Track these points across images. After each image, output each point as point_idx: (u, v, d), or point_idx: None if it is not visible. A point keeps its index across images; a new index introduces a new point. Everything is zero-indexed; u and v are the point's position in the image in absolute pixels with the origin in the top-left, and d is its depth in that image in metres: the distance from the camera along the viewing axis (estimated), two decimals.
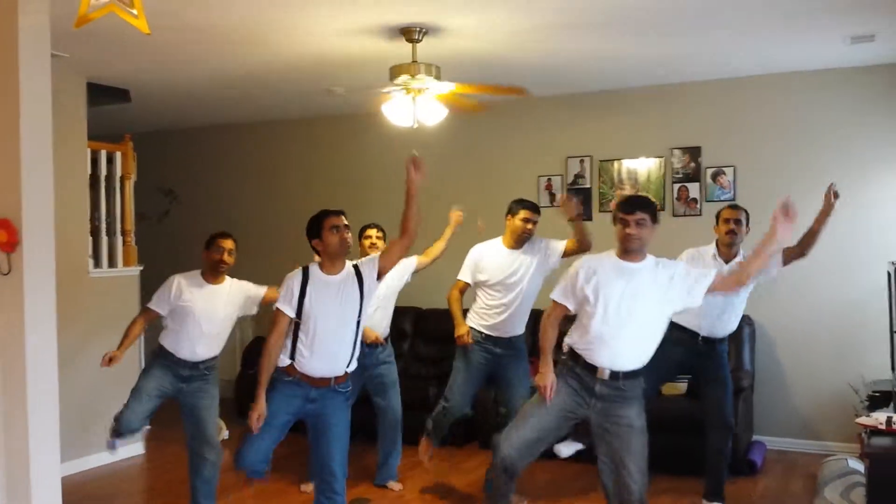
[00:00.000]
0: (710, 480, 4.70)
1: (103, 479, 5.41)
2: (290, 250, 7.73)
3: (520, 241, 4.70)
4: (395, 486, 5.20)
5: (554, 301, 3.62)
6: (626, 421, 3.45)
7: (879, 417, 3.93)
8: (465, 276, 4.83)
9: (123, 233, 6.13)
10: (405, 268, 5.03)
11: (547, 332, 3.63)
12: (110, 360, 4.29)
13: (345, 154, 7.55)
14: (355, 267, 3.80)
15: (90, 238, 5.86)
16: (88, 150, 5.83)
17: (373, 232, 5.06)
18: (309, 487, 4.90)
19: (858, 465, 4.79)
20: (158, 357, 4.40)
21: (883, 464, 3.72)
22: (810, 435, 5.87)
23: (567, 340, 3.61)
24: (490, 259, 4.74)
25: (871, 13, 4.43)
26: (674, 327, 4.61)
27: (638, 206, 3.45)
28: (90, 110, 5.84)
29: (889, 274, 4.82)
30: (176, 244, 7.49)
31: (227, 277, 4.44)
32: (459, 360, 4.83)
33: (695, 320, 4.58)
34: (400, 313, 6.71)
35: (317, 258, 3.94)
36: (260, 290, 4.47)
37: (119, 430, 4.38)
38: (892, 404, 4.36)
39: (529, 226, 4.66)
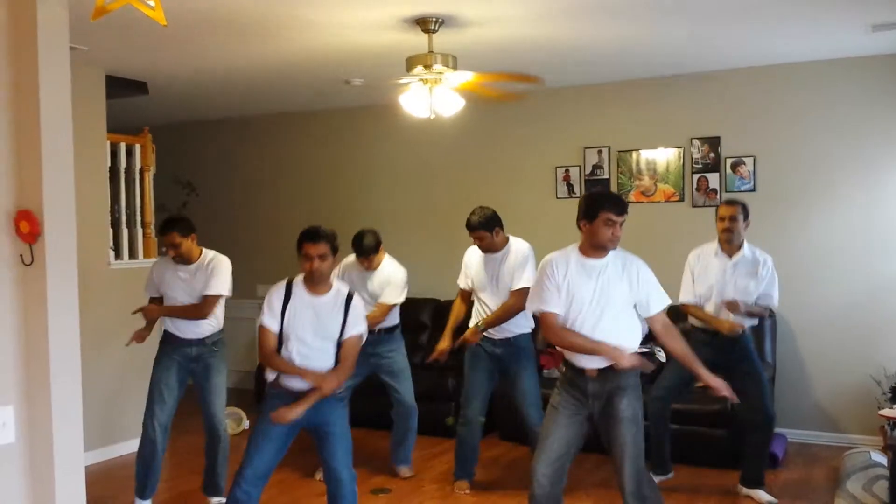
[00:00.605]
0: (750, 468, 4.71)
1: (126, 468, 5.46)
2: None
3: (483, 250, 4.81)
4: (404, 471, 5.25)
5: (543, 313, 3.50)
6: (616, 412, 3.47)
7: None
8: (461, 281, 5.01)
9: (143, 225, 6.19)
10: (391, 281, 5.10)
11: (564, 340, 3.50)
12: (138, 339, 4.45)
13: (362, 145, 7.56)
14: (349, 297, 3.70)
15: (110, 230, 5.91)
16: (108, 143, 5.88)
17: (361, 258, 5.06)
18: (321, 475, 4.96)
19: (881, 458, 4.75)
20: (164, 343, 4.50)
21: None
22: (832, 427, 5.82)
23: (558, 346, 3.63)
24: (472, 262, 4.90)
25: (893, 1, 4.36)
26: (694, 329, 4.65)
27: (625, 208, 3.48)
28: (109, 103, 5.88)
29: None
30: None
31: (204, 251, 4.47)
32: (466, 367, 4.91)
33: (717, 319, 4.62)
34: (419, 305, 6.77)
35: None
36: (209, 290, 4.40)
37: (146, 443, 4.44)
38: None
39: (478, 243, 4.77)
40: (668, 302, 3.60)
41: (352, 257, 5.12)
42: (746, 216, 4.63)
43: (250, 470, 3.61)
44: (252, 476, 3.61)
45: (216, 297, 4.43)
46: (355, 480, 3.77)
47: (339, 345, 3.66)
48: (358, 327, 3.71)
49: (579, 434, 3.57)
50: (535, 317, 3.90)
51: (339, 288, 3.74)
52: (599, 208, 3.44)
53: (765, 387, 4.66)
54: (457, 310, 5.04)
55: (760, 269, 4.61)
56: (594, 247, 3.48)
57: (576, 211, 3.57)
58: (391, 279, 5.08)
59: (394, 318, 5.15)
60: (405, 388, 5.19)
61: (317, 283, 3.65)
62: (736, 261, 4.61)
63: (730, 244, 4.62)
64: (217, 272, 4.43)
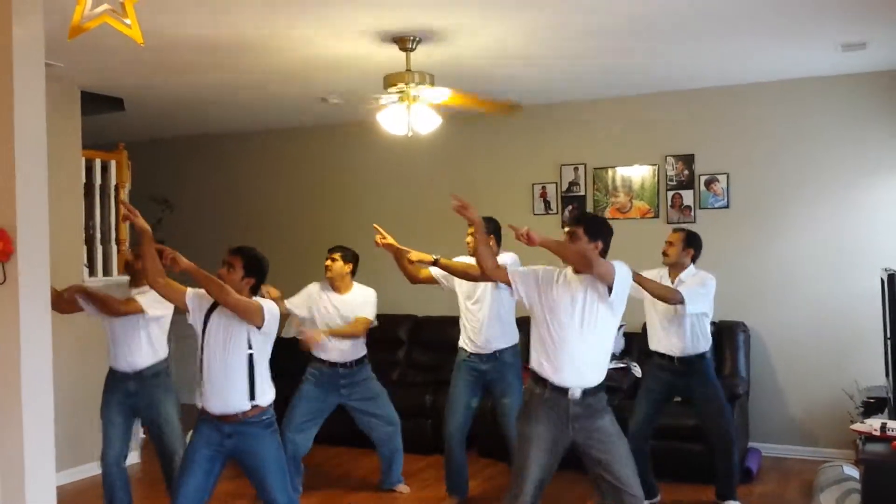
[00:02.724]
0: (721, 484, 4.79)
1: (98, 489, 5.38)
2: (283, 259, 7.72)
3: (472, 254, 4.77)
4: (403, 488, 5.26)
5: (508, 272, 3.64)
6: (604, 432, 3.51)
7: (874, 424, 3.93)
8: (436, 272, 4.81)
9: (118, 241, 6.14)
10: (367, 301, 5.11)
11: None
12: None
13: (339, 162, 7.56)
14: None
15: (85, 247, 5.85)
16: (83, 159, 5.84)
17: (331, 255, 5.07)
18: None
19: (854, 472, 4.79)
20: (107, 379, 4.41)
21: (878, 470, 3.72)
22: (806, 441, 5.88)
23: (532, 365, 3.62)
24: None
25: (863, 21, 4.46)
26: (653, 354, 4.76)
27: (571, 220, 3.63)
28: (84, 119, 5.84)
29: (882, 280, 4.83)
30: None
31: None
32: (452, 380, 4.90)
33: (665, 342, 4.70)
34: (396, 321, 6.77)
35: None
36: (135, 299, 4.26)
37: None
38: (886, 410, 4.38)
39: (468, 238, 4.71)
40: (622, 309, 3.58)
41: (317, 285, 5.10)
42: (689, 245, 4.71)
43: (181, 496, 3.57)
44: (183, 501, 3.57)
45: (134, 309, 4.23)
46: (295, 502, 3.74)
47: (251, 357, 3.59)
48: (272, 318, 3.62)
49: (558, 459, 3.58)
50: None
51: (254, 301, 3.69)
52: None
53: (724, 411, 4.73)
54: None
55: (693, 277, 4.68)
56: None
57: (552, 227, 3.67)
58: (368, 298, 5.11)
59: (362, 349, 5.13)
60: (386, 409, 5.17)
61: None
62: (677, 283, 4.69)
63: (671, 267, 4.74)
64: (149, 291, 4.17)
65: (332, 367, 5.01)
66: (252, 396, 3.59)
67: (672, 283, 4.69)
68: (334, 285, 5.08)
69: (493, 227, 4.67)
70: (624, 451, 3.50)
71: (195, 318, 3.68)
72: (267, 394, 3.67)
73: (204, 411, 3.65)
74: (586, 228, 3.55)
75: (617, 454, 3.48)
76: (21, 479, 3.12)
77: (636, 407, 4.79)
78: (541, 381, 3.55)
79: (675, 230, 4.91)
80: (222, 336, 3.59)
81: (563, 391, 3.48)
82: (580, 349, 3.48)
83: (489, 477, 5.47)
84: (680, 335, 4.65)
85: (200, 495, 3.61)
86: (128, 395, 4.33)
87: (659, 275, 4.75)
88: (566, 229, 3.57)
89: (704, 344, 4.71)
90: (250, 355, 3.60)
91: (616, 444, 3.50)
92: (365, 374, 5.13)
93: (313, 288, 5.10)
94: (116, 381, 4.35)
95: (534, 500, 3.52)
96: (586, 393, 3.48)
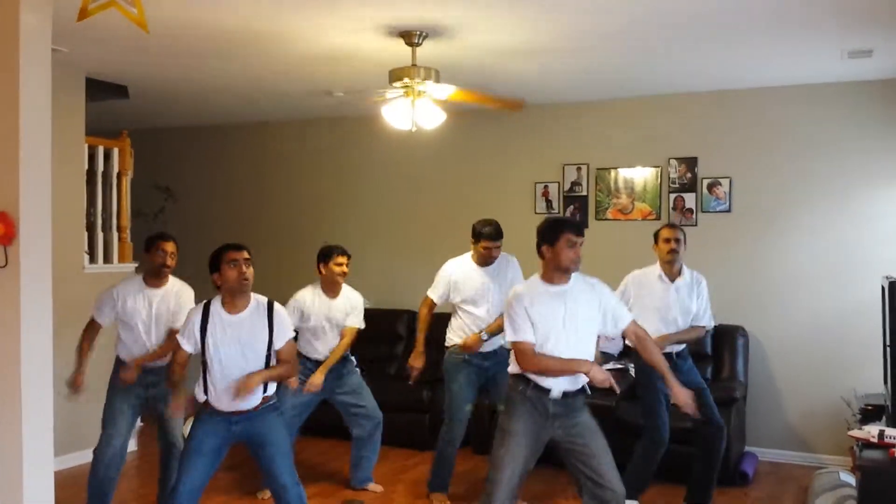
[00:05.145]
0: (700, 485, 4.72)
1: None
2: (284, 250, 7.71)
3: (485, 262, 4.82)
4: (375, 487, 5.22)
5: (522, 343, 3.48)
6: (583, 427, 3.54)
7: (871, 431, 3.93)
8: (434, 293, 4.96)
9: (119, 229, 6.14)
10: (356, 307, 5.11)
11: (539, 366, 3.47)
12: (77, 389, 4.31)
13: (342, 156, 7.55)
14: (270, 306, 3.68)
15: (86, 233, 5.85)
16: (86, 146, 5.83)
17: (343, 259, 5.03)
18: (266, 494, 4.92)
19: (850, 478, 4.80)
20: (118, 369, 4.38)
21: (874, 477, 3.72)
22: (802, 447, 5.88)
23: (512, 369, 3.62)
24: (462, 277, 4.86)
25: (869, 28, 4.45)
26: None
27: (583, 230, 3.57)
28: (88, 105, 5.84)
29: (883, 288, 4.83)
30: None
31: (171, 278, 4.40)
32: (452, 381, 4.85)
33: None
34: (394, 316, 6.76)
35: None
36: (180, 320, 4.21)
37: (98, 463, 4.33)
38: (884, 418, 4.37)
39: (493, 252, 4.76)
40: (632, 315, 3.70)
41: (308, 288, 5.06)
42: (685, 240, 4.75)
43: (184, 486, 3.59)
44: (186, 492, 3.59)
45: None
46: (299, 485, 3.77)
47: (269, 356, 3.66)
48: (288, 333, 3.74)
49: (538, 454, 3.61)
50: None
51: (257, 300, 3.70)
52: (560, 231, 3.51)
53: (710, 396, 4.73)
54: (428, 321, 5.00)
55: (696, 289, 4.70)
56: (557, 270, 3.53)
57: None
58: (356, 305, 5.11)
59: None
60: (369, 401, 5.15)
61: (244, 292, 3.63)
62: (678, 284, 4.68)
63: (672, 266, 4.68)
64: (185, 305, 4.29)
65: (317, 365, 5.00)
66: (264, 390, 3.68)
67: (672, 282, 4.66)
68: (329, 289, 5.05)
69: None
70: (601, 445, 3.53)
71: (190, 345, 3.68)
72: (274, 384, 3.75)
73: (208, 405, 3.67)
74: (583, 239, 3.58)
75: (595, 448, 3.51)
76: (19, 463, 3.12)
77: (661, 414, 4.65)
78: (523, 379, 3.56)
79: (671, 226, 4.80)
80: (238, 342, 3.61)
81: (545, 391, 3.52)
82: (569, 353, 3.48)
83: (485, 475, 5.46)
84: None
85: (202, 482, 3.65)
86: (146, 387, 4.35)
87: (655, 276, 4.69)
88: (575, 240, 3.49)
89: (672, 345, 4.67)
90: (268, 356, 3.67)
91: (594, 438, 3.53)
92: (349, 368, 5.14)
93: (304, 297, 5.02)
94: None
95: (512, 492, 3.53)
96: (567, 394, 3.52)
